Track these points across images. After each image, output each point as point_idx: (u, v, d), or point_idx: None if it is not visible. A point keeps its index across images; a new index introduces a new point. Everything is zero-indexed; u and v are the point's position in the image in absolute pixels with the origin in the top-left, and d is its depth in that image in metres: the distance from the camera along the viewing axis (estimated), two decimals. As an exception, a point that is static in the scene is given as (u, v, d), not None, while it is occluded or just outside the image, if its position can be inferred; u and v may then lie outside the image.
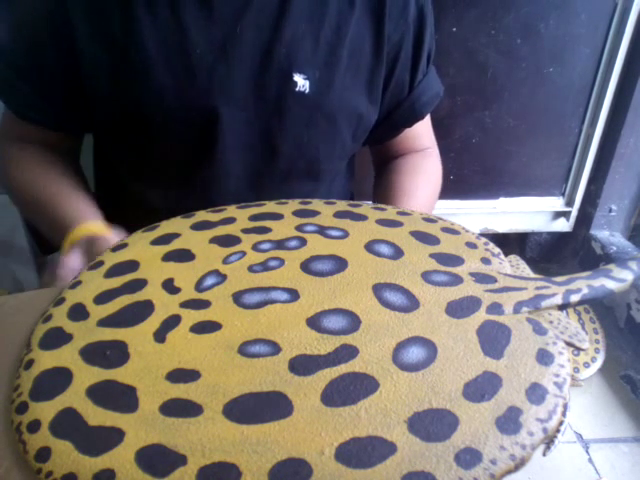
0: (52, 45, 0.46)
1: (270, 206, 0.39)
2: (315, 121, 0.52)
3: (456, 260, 0.32)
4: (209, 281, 0.30)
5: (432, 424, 0.21)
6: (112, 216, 0.60)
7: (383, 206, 0.39)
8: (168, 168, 0.53)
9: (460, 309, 0.27)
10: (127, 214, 0.58)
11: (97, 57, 0.46)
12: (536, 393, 0.22)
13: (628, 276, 0.30)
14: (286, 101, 0.50)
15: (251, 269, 0.31)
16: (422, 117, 0.60)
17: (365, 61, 0.53)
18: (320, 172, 0.56)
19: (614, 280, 0.30)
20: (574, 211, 0.96)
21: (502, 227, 0.96)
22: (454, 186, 0.91)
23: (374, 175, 0.67)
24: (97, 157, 0.59)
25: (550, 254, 1.04)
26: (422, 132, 0.64)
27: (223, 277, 0.30)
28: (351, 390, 0.22)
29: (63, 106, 0.50)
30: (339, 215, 0.37)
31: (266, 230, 0.35)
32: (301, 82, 0.50)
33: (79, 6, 0.45)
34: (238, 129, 0.51)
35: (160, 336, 0.26)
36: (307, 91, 0.50)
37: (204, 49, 0.47)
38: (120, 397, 0.23)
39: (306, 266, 0.31)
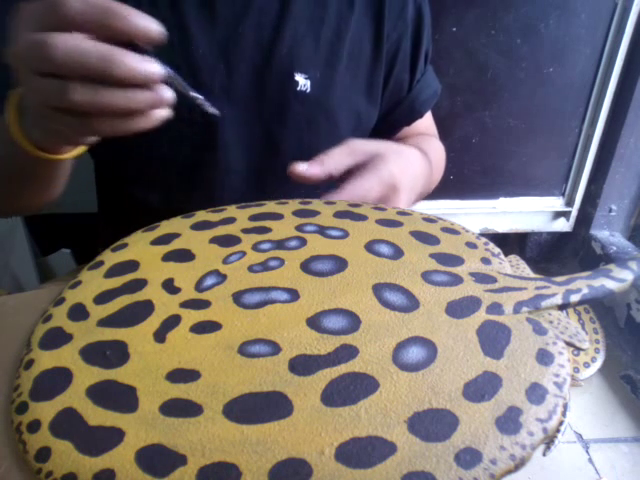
0: None
1: (270, 206, 0.39)
2: (316, 120, 0.52)
3: (456, 260, 0.32)
4: (209, 281, 0.30)
5: (432, 424, 0.21)
6: (114, 219, 0.60)
7: (383, 206, 0.39)
8: (170, 169, 0.53)
9: (460, 309, 0.27)
10: (129, 217, 0.58)
11: None
12: (536, 393, 0.22)
13: (628, 276, 0.30)
14: (287, 100, 0.50)
15: (251, 269, 0.31)
16: (421, 115, 0.60)
17: (364, 61, 0.53)
18: None
19: (614, 280, 0.30)
20: (574, 211, 0.96)
21: (502, 227, 0.96)
22: (454, 186, 0.91)
23: None
24: (98, 161, 0.59)
25: (550, 254, 1.04)
26: (426, 127, 0.65)
27: (223, 277, 0.30)
28: (351, 390, 0.22)
29: None
30: (339, 215, 0.37)
31: (266, 230, 0.35)
32: (302, 82, 0.50)
33: None
34: (239, 129, 0.51)
35: (160, 336, 0.26)
36: (308, 91, 0.50)
37: (206, 49, 0.47)
38: (120, 397, 0.23)
39: (306, 266, 0.31)
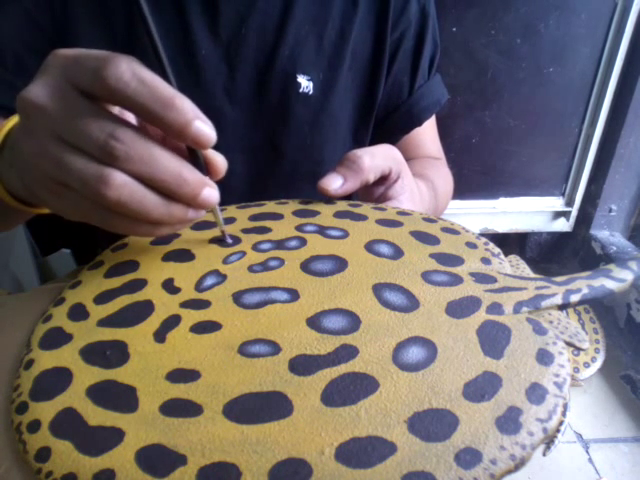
0: (53, 47, 0.46)
1: (270, 206, 0.39)
2: (319, 122, 0.52)
3: (456, 260, 0.32)
4: (209, 281, 0.30)
5: (432, 424, 0.21)
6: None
7: (383, 206, 0.39)
8: None
9: (460, 309, 0.27)
10: None
11: None
12: (536, 393, 0.22)
13: (628, 276, 0.30)
14: (290, 102, 0.50)
15: (251, 269, 0.31)
16: (420, 123, 0.58)
17: (367, 61, 0.53)
18: (323, 173, 0.56)
19: (614, 280, 0.30)
20: (574, 211, 0.96)
21: (502, 227, 0.96)
22: (454, 186, 0.91)
23: None
24: None
25: (550, 254, 1.04)
26: (428, 141, 0.62)
27: (223, 277, 0.30)
28: (351, 390, 0.22)
29: None
30: (339, 215, 0.37)
31: (266, 230, 0.35)
32: (305, 83, 0.50)
33: (82, 8, 0.45)
34: (242, 130, 0.51)
35: (160, 336, 0.26)
36: (311, 92, 0.50)
37: (209, 50, 0.47)
38: (120, 397, 0.23)
39: (306, 266, 0.31)
